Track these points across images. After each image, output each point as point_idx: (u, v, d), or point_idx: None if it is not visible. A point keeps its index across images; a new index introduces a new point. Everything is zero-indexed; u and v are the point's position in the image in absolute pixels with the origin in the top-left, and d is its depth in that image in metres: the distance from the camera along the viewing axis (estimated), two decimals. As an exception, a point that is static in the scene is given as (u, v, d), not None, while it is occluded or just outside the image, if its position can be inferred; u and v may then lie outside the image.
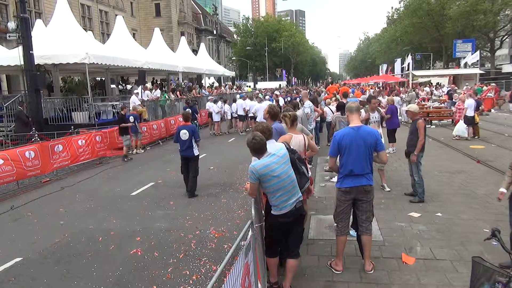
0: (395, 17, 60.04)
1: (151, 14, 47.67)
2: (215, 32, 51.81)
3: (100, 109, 15.86)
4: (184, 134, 7.73)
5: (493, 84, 27.92)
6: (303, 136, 4.81)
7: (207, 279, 4.30)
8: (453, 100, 18.61)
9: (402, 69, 42.64)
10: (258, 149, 3.58)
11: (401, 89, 27.65)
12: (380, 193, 6.99)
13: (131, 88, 21.59)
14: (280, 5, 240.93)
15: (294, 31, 75.72)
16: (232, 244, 3.70)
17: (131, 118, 12.53)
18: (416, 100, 21.31)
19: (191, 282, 4.39)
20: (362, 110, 7.89)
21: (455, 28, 41.12)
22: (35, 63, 12.77)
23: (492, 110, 23.06)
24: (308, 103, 9.49)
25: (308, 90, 30.31)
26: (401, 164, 9.16)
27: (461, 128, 13.06)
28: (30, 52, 12.26)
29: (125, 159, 11.85)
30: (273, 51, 69.80)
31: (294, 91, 29.77)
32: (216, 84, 33.55)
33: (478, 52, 35.69)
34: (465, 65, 35.98)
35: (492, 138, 13.10)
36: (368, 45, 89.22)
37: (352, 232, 4.58)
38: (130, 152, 12.60)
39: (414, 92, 22.52)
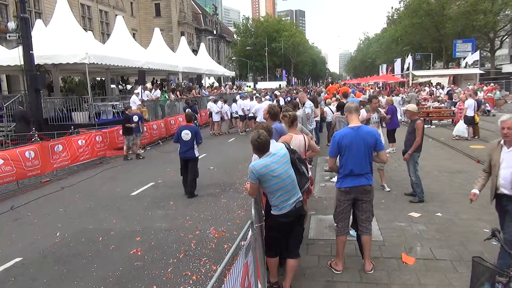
0: (395, 17, 60.05)
1: (151, 14, 47.66)
2: (215, 32, 51.82)
3: (100, 109, 15.86)
4: (186, 135, 7.61)
5: (493, 84, 27.94)
6: (303, 136, 4.81)
7: (207, 279, 4.30)
8: (453, 100, 18.60)
9: (402, 69, 42.64)
10: (262, 148, 3.57)
11: (401, 89, 27.64)
12: (380, 193, 6.99)
13: (131, 88, 21.60)
14: (280, 5, 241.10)
15: (294, 31, 75.74)
16: (232, 244, 3.70)
17: (135, 118, 12.42)
18: (416, 100, 21.30)
19: (191, 282, 4.39)
20: (363, 110, 7.89)
21: (455, 28, 41.12)
22: (35, 63, 12.78)
23: (492, 110, 23.05)
24: (308, 103, 9.49)
25: (307, 90, 30.27)
26: (401, 164, 9.16)
27: (461, 128, 13.06)
28: (30, 52, 12.27)
29: (128, 158, 12.04)
30: (273, 51, 69.80)
31: (294, 91, 29.76)
32: (216, 84, 33.56)
33: (478, 52, 35.69)
34: (466, 65, 36.00)
35: (492, 138, 12.96)
36: (368, 45, 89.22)
37: (352, 232, 4.58)
38: (130, 152, 12.60)
39: (414, 92, 22.50)
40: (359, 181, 4.11)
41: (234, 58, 70.86)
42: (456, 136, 13.16)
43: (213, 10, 60.00)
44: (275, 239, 3.82)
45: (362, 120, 6.82)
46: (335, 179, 6.41)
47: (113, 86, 19.56)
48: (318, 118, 11.12)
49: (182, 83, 24.06)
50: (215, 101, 16.89)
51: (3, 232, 6.30)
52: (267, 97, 18.61)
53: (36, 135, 10.95)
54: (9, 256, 5.29)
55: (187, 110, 14.37)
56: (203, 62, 28.98)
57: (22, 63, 12.43)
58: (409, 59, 39.05)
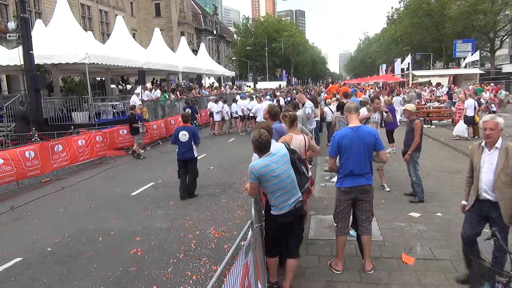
0: (395, 17, 60.06)
1: (151, 14, 47.66)
2: (215, 32, 51.81)
3: (100, 109, 15.86)
4: (184, 136, 7.52)
5: (492, 84, 27.94)
6: (303, 136, 4.81)
7: (207, 279, 4.30)
8: (453, 100, 18.62)
9: (402, 69, 42.65)
10: (263, 148, 3.57)
11: (401, 89, 27.61)
12: (380, 193, 6.99)
13: (131, 88, 21.59)
14: (280, 5, 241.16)
15: (294, 31, 75.74)
16: (232, 244, 3.70)
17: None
18: (416, 101, 21.30)
19: (191, 282, 4.39)
20: (364, 109, 7.89)
21: (455, 28, 41.13)
22: (35, 63, 12.77)
23: (498, 111, 23.02)
24: (308, 103, 9.49)
25: (307, 90, 30.24)
26: (401, 164, 9.16)
27: (461, 128, 13.06)
28: (30, 52, 12.27)
29: (141, 157, 12.12)
30: (273, 51, 69.81)
31: (294, 91, 29.77)
32: (216, 84, 33.55)
33: (478, 52, 35.69)
34: (465, 65, 36.00)
35: (492, 138, 13.07)
36: (368, 45, 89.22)
37: (352, 232, 4.58)
38: (130, 152, 12.62)
39: (414, 92, 22.50)
40: (359, 181, 4.11)
41: (234, 58, 70.86)
42: (456, 136, 13.16)
43: (213, 10, 60.01)
44: (275, 239, 3.82)
45: (362, 118, 6.82)
46: (335, 179, 6.41)
47: (113, 86, 19.55)
48: (318, 118, 11.13)
49: (182, 83, 24.06)
50: (216, 101, 16.89)
51: (3, 232, 6.31)
52: (267, 97, 18.61)
53: (36, 135, 10.96)
54: (9, 256, 5.29)
55: (187, 110, 14.47)
56: (203, 62, 28.98)
57: (22, 63, 12.42)
58: (408, 59, 39.09)
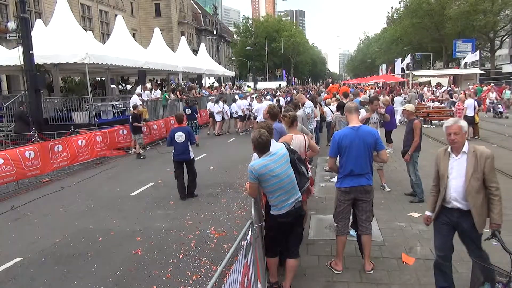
0: (395, 17, 60.04)
1: (151, 14, 47.65)
2: (215, 32, 51.79)
3: (100, 109, 15.85)
4: (180, 137, 7.46)
5: (493, 84, 27.88)
6: (303, 136, 4.81)
7: (207, 279, 4.30)
8: (453, 100, 18.60)
9: (402, 69, 42.66)
10: (263, 148, 3.57)
11: (401, 89, 27.61)
12: (380, 193, 6.99)
13: (131, 88, 21.58)
14: (280, 5, 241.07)
15: (294, 31, 75.80)
16: (232, 244, 3.70)
17: (130, 118, 12.61)
18: (416, 101, 21.28)
19: (191, 282, 4.39)
20: (363, 110, 7.89)
21: (455, 28, 41.14)
22: (35, 63, 12.76)
23: (505, 112, 22.99)
24: (308, 103, 9.50)
25: (307, 90, 30.25)
26: (401, 164, 9.15)
27: (461, 128, 13.03)
28: (30, 52, 12.26)
29: (141, 157, 12.14)
30: (273, 51, 69.84)
31: (294, 91, 29.77)
32: (216, 84, 33.54)
33: (478, 52, 35.69)
34: (465, 65, 35.98)
35: (492, 138, 13.10)
36: (368, 45, 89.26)
37: (352, 232, 4.58)
38: (130, 152, 12.64)
39: (414, 92, 22.49)
40: (359, 181, 4.11)
41: (234, 58, 70.87)
42: (456, 136, 13.14)
43: (213, 10, 59.98)
44: (275, 239, 3.82)
45: (361, 119, 6.83)
46: (335, 179, 6.42)
47: (113, 86, 19.52)
48: (318, 118, 11.13)
49: (182, 83, 24.05)
50: (217, 101, 16.91)
51: (3, 232, 6.31)
52: (268, 97, 18.61)
53: (36, 135, 10.96)
54: (9, 256, 5.29)
55: (187, 110, 14.46)
56: (203, 62, 28.96)
57: (22, 63, 12.41)
58: (408, 59, 39.08)
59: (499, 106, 19.77)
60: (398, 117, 17.48)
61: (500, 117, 19.15)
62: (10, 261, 5.15)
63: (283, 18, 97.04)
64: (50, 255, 5.31)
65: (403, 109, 7.14)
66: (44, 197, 8.33)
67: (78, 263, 5.00)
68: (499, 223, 3.26)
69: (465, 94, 14.91)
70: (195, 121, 14.59)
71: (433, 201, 3.62)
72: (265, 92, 27.11)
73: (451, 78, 33.62)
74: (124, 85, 22.93)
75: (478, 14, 38.94)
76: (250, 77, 67.20)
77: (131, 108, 13.95)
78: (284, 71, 70.53)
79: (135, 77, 21.18)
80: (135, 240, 5.67)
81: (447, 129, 3.38)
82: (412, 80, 35.82)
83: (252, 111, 16.08)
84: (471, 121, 12.92)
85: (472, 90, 16.91)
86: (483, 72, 36.64)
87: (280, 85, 51.37)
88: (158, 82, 23.85)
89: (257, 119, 13.77)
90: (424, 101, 22.88)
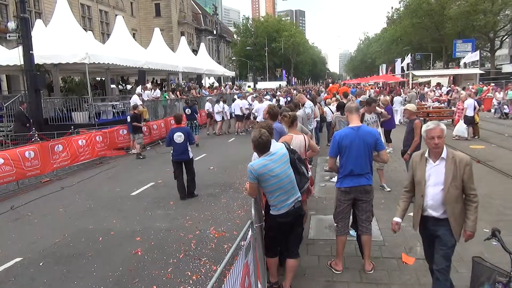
0: (395, 17, 60.07)
1: (151, 14, 47.64)
2: (215, 32, 51.79)
3: (100, 109, 15.86)
4: (179, 137, 7.45)
5: (493, 84, 27.89)
6: (303, 136, 4.81)
7: (207, 279, 4.30)
8: (453, 95, 18.55)
9: (402, 68, 42.68)
10: (263, 148, 3.57)
11: (401, 89, 27.59)
12: (380, 193, 6.99)
13: (131, 88, 21.58)
14: (280, 5, 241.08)
15: (294, 31, 75.82)
16: (232, 244, 3.70)
17: (128, 119, 12.64)
18: (416, 101, 21.25)
19: (191, 282, 4.39)
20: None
21: (455, 28, 41.15)
22: (35, 63, 12.77)
23: (492, 110, 23.01)
24: (308, 103, 9.50)
25: (307, 90, 30.25)
26: (401, 164, 9.15)
27: (461, 128, 13.05)
28: (30, 52, 12.26)
29: (139, 157, 12.14)
30: (273, 51, 69.84)
31: (294, 91, 29.78)
32: (216, 84, 33.54)
33: (478, 52, 35.69)
34: (465, 65, 35.98)
35: (492, 138, 13.10)
36: (368, 45, 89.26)
37: (352, 232, 4.58)
38: (131, 152, 12.65)
39: (414, 92, 22.47)
40: (359, 181, 4.11)
41: (234, 58, 70.86)
42: (456, 136, 13.16)
43: (213, 10, 59.97)
44: (274, 239, 3.82)
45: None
46: (335, 179, 6.42)
47: (113, 86, 19.52)
48: (318, 118, 11.13)
49: (182, 83, 24.05)
50: (217, 101, 16.93)
51: (3, 232, 6.31)
52: (267, 96, 18.61)
53: (36, 135, 10.96)
54: (9, 256, 5.29)
55: (186, 110, 14.47)
56: (203, 62, 28.95)
57: (22, 63, 12.42)
58: (407, 59, 39.08)
59: (505, 107, 19.39)
60: (398, 117, 17.50)
61: (506, 118, 18.72)
62: (10, 261, 5.15)
63: (283, 18, 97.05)
64: (50, 255, 5.31)
65: (404, 109, 7.14)
66: (44, 197, 8.32)
67: (78, 263, 5.00)
68: (473, 231, 3.13)
69: (463, 88, 14.82)
70: (195, 121, 14.60)
71: (403, 207, 3.45)
72: (265, 92, 27.08)
73: (451, 78, 33.61)
74: (124, 85, 22.94)
75: (478, 14, 38.95)
76: (250, 77, 67.22)
77: (131, 108, 13.99)
78: (284, 71, 70.51)
79: (135, 77, 21.18)
80: (135, 240, 5.67)
81: (430, 133, 3.12)
82: (412, 80, 35.82)
83: (252, 111, 16.09)
84: (471, 121, 12.94)
85: (473, 90, 16.88)
86: (483, 72, 36.64)
87: (280, 85, 51.35)
88: (158, 82, 23.85)
89: (257, 119, 13.78)
90: (427, 101, 22.82)
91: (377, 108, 8.26)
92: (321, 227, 5.66)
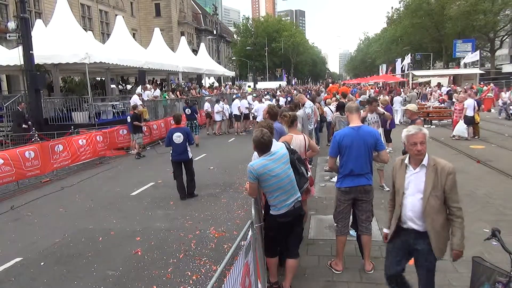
0: (395, 17, 60.07)
1: (151, 14, 47.64)
2: (215, 32, 51.79)
3: (100, 109, 15.86)
4: (178, 137, 7.44)
5: (492, 84, 27.89)
6: (303, 136, 4.81)
7: (207, 279, 4.30)
8: (453, 100, 18.51)
9: (403, 67, 42.68)
10: (264, 148, 3.56)
11: (401, 89, 27.59)
12: (380, 193, 6.98)
13: (131, 88, 21.58)
14: (280, 5, 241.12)
15: (294, 31, 75.83)
16: (232, 244, 3.70)
17: (128, 118, 12.65)
18: (417, 100, 21.23)
19: (191, 282, 4.39)
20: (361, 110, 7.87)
21: (455, 28, 41.16)
22: (35, 63, 12.77)
23: (492, 110, 23.03)
24: (308, 103, 9.49)
25: (307, 90, 30.24)
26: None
27: (461, 128, 13.05)
28: (30, 52, 12.27)
29: (138, 156, 12.18)
30: (273, 51, 69.82)
31: (294, 91, 29.79)
32: (216, 84, 33.55)
33: (478, 52, 35.69)
34: (465, 65, 35.98)
35: (492, 138, 13.10)
36: (368, 45, 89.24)
37: (352, 232, 4.58)
38: (131, 152, 12.66)
39: (415, 92, 22.46)
40: (359, 181, 4.11)
41: (234, 58, 70.86)
42: (456, 136, 13.16)
43: (213, 10, 60.05)
44: (274, 239, 3.82)
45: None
46: (335, 179, 6.42)
47: (113, 86, 19.53)
48: (318, 118, 11.13)
49: (182, 83, 24.05)
50: (217, 101, 16.94)
51: (3, 232, 6.31)
52: (267, 96, 18.61)
53: (36, 135, 10.96)
54: (9, 256, 5.29)
55: (186, 110, 14.48)
56: (203, 62, 28.96)
57: (22, 63, 12.43)
58: (407, 60, 39.07)
59: (511, 107, 19.17)
60: (398, 117, 17.51)
61: (510, 119, 18.46)
62: (10, 261, 5.15)
63: (283, 18, 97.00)
64: (50, 255, 5.31)
65: (405, 109, 7.13)
66: (44, 197, 8.32)
67: (78, 263, 5.00)
68: (461, 249, 2.92)
69: (465, 90, 14.79)
70: (195, 121, 14.61)
71: (390, 217, 3.24)
72: (265, 92, 27.09)
73: (451, 78, 33.62)
74: (124, 85, 22.94)
75: (478, 14, 38.94)
76: (250, 77, 67.23)
77: (131, 108, 13.99)
78: (284, 71, 70.50)
79: (135, 77, 21.17)
80: (135, 240, 5.67)
81: (412, 138, 2.89)
82: (412, 80, 35.82)
83: (252, 111, 16.10)
84: (471, 121, 12.93)
85: (473, 90, 16.86)
86: (483, 72, 36.66)
87: (280, 85, 51.36)
88: (158, 82, 23.85)
89: (257, 119, 13.79)
90: (428, 100, 22.77)
91: (379, 108, 8.27)
92: (321, 227, 5.66)
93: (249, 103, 17.01)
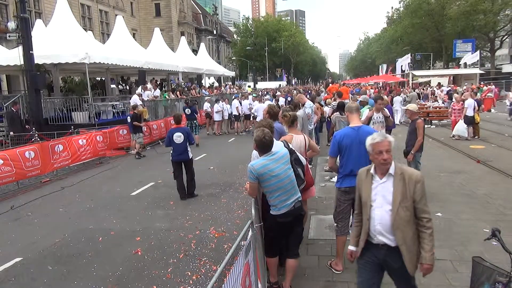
0: (395, 17, 60.07)
1: (151, 14, 47.64)
2: (215, 32, 51.81)
3: (100, 109, 15.86)
4: (179, 137, 7.43)
5: (492, 85, 27.89)
6: (303, 136, 4.81)
7: (207, 279, 4.30)
8: (453, 100, 18.47)
9: (402, 68, 42.67)
10: (265, 148, 3.56)
11: (401, 89, 27.58)
12: (380, 193, 6.97)
13: (131, 88, 21.58)
14: (280, 5, 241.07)
15: (294, 31, 75.79)
16: (232, 244, 3.70)
17: (128, 118, 12.66)
18: (417, 100, 21.22)
19: (191, 282, 4.39)
20: (366, 110, 7.84)
21: (455, 28, 41.13)
22: (35, 63, 12.77)
23: (492, 110, 23.03)
24: (308, 103, 9.49)
25: (307, 90, 30.24)
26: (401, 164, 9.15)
27: (461, 128, 13.05)
28: (30, 52, 12.26)
29: (138, 156, 12.18)
30: (273, 51, 69.82)
31: (294, 91, 29.79)
32: (216, 84, 33.55)
33: (478, 52, 35.69)
34: (465, 65, 35.98)
35: (492, 138, 13.10)
36: (368, 45, 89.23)
37: (352, 232, 4.58)
38: (131, 152, 12.65)
39: (415, 92, 22.46)
40: (359, 181, 4.10)
41: (234, 58, 70.86)
42: (456, 136, 13.16)
43: (213, 10, 60.06)
44: (274, 239, 3.82)
45: (364, 119, 6.83)
46: (335, 179, 6.41)
47: (113, 86, 19.53)
48: (319, 117, 11.15)
49: (182, 83, 24.05)
50: (217, 101, 16.94)
51: (3, 232, 6.31)
52: (267, 96, 18.61)
53: (36, 135, 10.96)
54: (9, 256, 5.29)
55: (186, 110, 14.47)
56: (203, 62, 28.96)
57: (22, 63, 12.42)
58: (407, 60, 39.06)
59: None
60: (398, 117, 17.50)
61: None
62: (10, 261, 5.15)
63: (283, 18, 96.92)
64: (50, 255, 5.31)
65: (406, 109, 7.12)
66: (44, 197, 8.32)
67: (78, 263, 5.00)
68: (431, 263, 2.71)
69: (471, 90, 14.69)
70: (195, 121, 14.61)
71: (356, 232, 2.96)
72: (265, 92, 27.09)
73: (451, 78, 33.63)
74: (124, 85, 22.93)
75: (478, 14, 38.93)
76: (250, 77, 67.23)
77: (131, 108, 13.99)
78: (284, 71, 70.50)
79: (135, 77, 21.17)
80: (135, 240, 5.67)
81: (377, 147, 2.69)
82: (412, 80, 35.83)
83: (252, 111, 16.09)
84: (471, 121, 12.94)
85: (471, 90, 16.85)
86: (483, 72, 36.66)
87: (280, 85, 51.37)
88: (158, 82, 23.84)
89: (257, 119, 13.79)
90: (429, 100, 22.73)
91: (385, 110, 8.20)
92: (321, 227, 5.66)
93: (249, 103, 17.01)
